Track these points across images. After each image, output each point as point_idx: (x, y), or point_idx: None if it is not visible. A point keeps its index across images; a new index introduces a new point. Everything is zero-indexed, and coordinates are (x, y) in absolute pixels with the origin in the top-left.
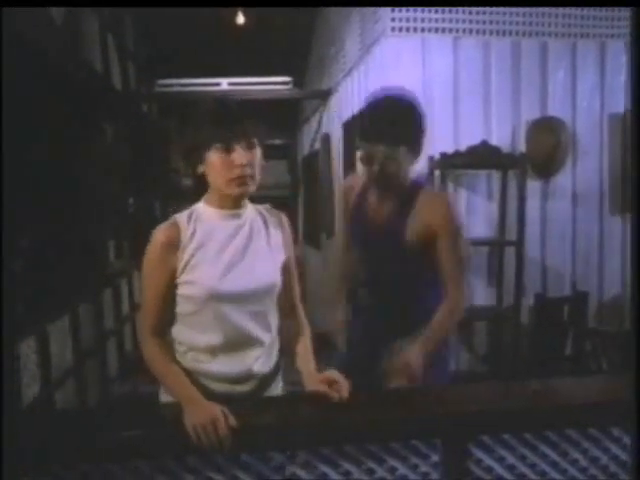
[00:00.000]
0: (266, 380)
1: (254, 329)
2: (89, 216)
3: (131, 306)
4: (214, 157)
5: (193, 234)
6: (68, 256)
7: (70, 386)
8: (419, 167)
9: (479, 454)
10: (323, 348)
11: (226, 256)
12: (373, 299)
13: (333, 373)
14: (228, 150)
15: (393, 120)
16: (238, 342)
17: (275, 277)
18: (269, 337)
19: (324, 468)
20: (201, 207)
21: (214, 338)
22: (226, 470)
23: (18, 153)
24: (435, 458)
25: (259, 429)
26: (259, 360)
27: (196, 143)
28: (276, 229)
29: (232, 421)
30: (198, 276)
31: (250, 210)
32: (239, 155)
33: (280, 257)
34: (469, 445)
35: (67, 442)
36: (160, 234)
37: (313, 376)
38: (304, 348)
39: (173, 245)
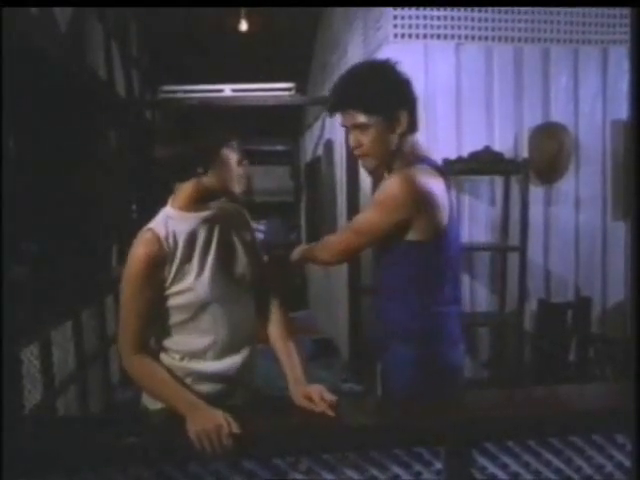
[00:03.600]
0: (247, 377)
1: (245, 326)
2: (92, 222)
3: None
4: (230, 155)
5: (175, 244)
6: (71, 262)
7: (72, 392)
8: None
9: (482, 461)
10: (325, 353)
11: (209, 259)
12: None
13: (314, 390)
14: (233, 148)
15: (353, 83)
16: (233, 340)
17: (250, 271)
18: (251, 335)
19: (326, 475)
20: (173, 212)
21: (211, 340)
22: (228, 477)
23: (21, 159)
24: (438, 465)
25: (261, 436)
26: (247, 357)
27: (213, 141)
28: (241, 222)
29: (235, 427)
30: (189, 284)
31: (220, 209)
32: (238, 153)
33: (250, 250)
34: (472, 452)
35: (68, 448)
36: (142, 249)
37: (296, 389)
38: (287, 352)
39: (158, 259)
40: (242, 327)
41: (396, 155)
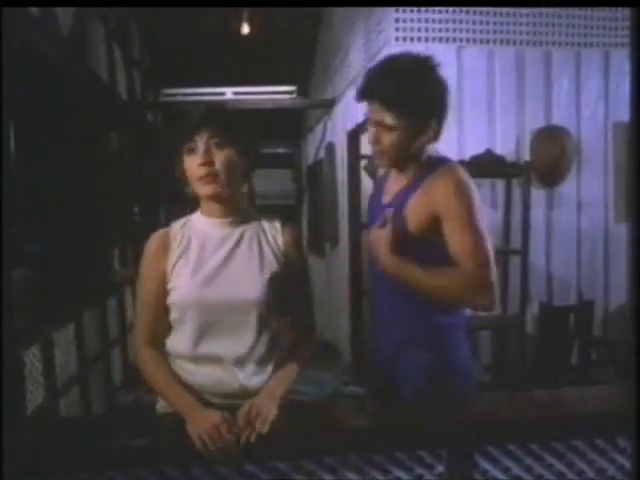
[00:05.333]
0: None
1: (237, 343)
2: (94, 224)
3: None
4: (186, 160)
5: (182, 241)
6: (73, 264)
7: (74, 394)
8: None
9: (485, 465)
10: (327, 356)
11: (208, 266)
12: (376, 300)
13: (251, 410)
14: (192, 151)
15: (391, 78)
16: (218, 354)
17: (260, 291)
18: (256, 352)
19: (328, 478)
20: (196, 216)
21: (194, 347)
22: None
23: (22, 161)
24: (440, 468)
25: (263, 439)
26: (244, 376)
27: (178, 147)
28: (275, 241)
29: (235, 428)
30: (179, 283)
31: (248, 220)
32: (199, 154)
33: (274, 271)
34: (475, 455)
35: (70, 450)
36: (152, 241)
37: (261, 394)
38: (285, 367)
39: (162, 251)
40: (235, 340)
41: (412, 159)
